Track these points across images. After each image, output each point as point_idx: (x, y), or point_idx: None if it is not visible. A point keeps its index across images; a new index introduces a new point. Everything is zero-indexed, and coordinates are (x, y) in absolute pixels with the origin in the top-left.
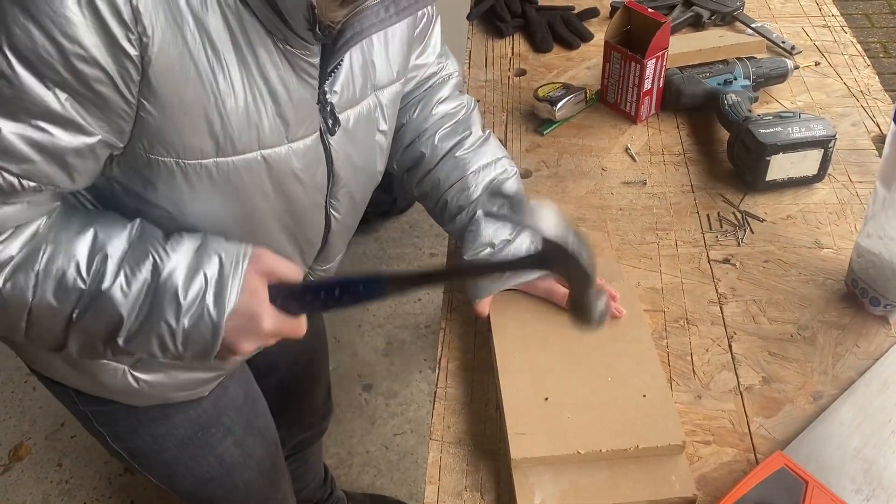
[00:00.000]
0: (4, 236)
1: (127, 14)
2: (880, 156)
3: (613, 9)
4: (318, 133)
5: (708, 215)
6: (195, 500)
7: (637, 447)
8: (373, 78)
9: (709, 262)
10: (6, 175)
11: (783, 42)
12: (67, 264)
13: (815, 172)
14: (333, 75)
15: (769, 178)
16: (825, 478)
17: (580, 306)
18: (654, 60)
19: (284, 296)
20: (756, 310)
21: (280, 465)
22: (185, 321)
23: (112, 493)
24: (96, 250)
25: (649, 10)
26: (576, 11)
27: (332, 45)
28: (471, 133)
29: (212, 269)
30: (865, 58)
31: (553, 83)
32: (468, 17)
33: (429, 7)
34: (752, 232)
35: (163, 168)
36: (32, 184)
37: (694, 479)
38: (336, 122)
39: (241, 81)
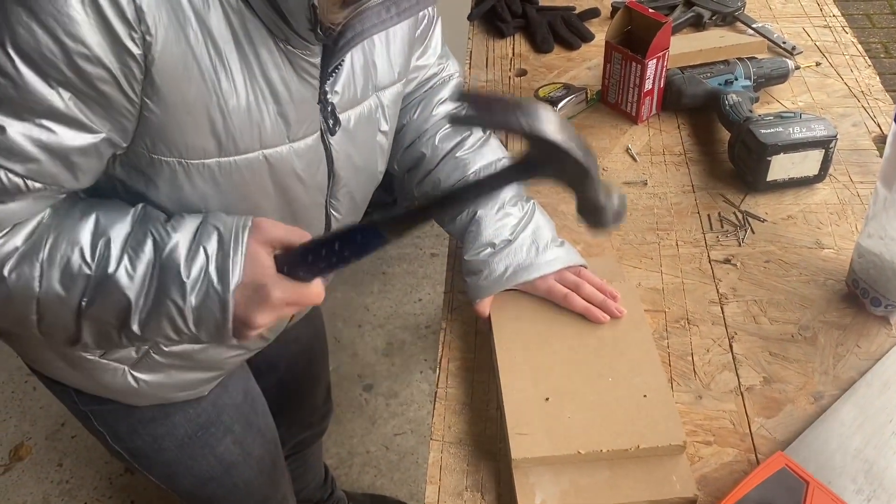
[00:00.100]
0: (8, 229)
1: (130, 13)
2: (881, 156)
3: (614, 9)
4: (318, 133)
5: (709, 215)
6: (195, 500)
7: (638, 447)
8: (374, 78)
9: (710, 262)
10: (11, 176)
11: (784, 42)
12: (71, 251)
13: (816, 173)
14: (334, 75)
15: (770, 178)
16: (826, 478)
17: (588, 208)
18: (654, 61)
19: (290, 262)
20: (757, 310)
21: (280, 464)
22: (192, 299)
23: (112, 494)
24: (99, 235)
25: (650, 10)
26: (577, 12)
27: (333, 45)
28: (471, 133)
29: (212, 244)
30: (866, 58)
31: (554, 83)
32: (469, 18)
33: (430, 8)
34: (753, 232)
35: (165, 167)
36: (38, 185)
37: (695, 479)
38: (336, 122)
39: (243, 81)
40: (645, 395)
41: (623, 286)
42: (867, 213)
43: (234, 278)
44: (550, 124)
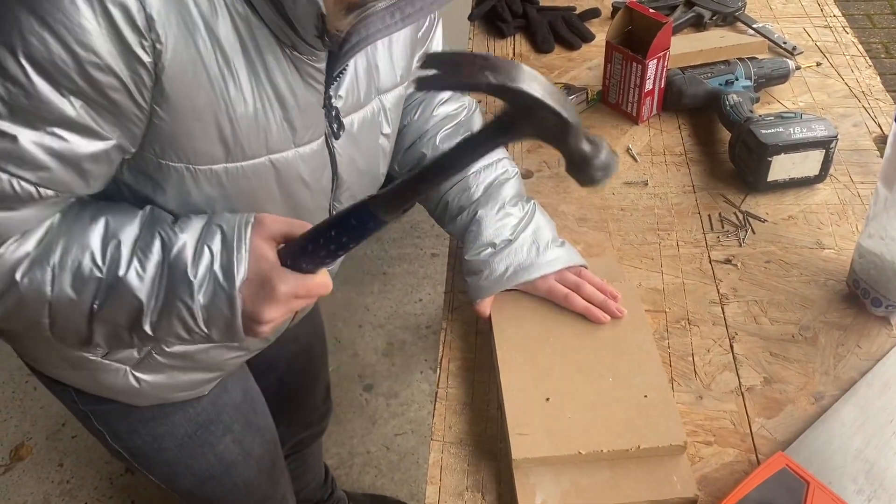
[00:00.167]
0: (19, 234)
1: (141, 21)
2: (882, 156)
3: (615, 9)
4: (323, 137)
5: (709, 216)
6: (195, 499)
7: (638, 447)
8: (377, 82)
9: (710, 262)
10: (24, 184)
11: (784, 42)
12: (82, 255)
13: (817, 173)
14: (338, 80)
15: (770, 178)
16: (826, 478)
17: (573, 161)
18: (655, 61)
19: (293, 255)
20: (757, 310)
21: (279, 463)
22: (200, 298)
23: (113, 494)
24: (109, 238)
25: (651, 10)
26: (577, 12)
27: (337, 50)
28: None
29: (216, 242)
30: (867, 58)
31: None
32: (469, 18)
33: None
34: (754, 232)
35: (173, 172)
36: (50, 192)
37: (695, 479)
38: (340, 126)
39: (250, 87)
40: (645, 396)
41: (623, 286)
42: (868, 213)
43: (240, 275)
44: (522, 77)
